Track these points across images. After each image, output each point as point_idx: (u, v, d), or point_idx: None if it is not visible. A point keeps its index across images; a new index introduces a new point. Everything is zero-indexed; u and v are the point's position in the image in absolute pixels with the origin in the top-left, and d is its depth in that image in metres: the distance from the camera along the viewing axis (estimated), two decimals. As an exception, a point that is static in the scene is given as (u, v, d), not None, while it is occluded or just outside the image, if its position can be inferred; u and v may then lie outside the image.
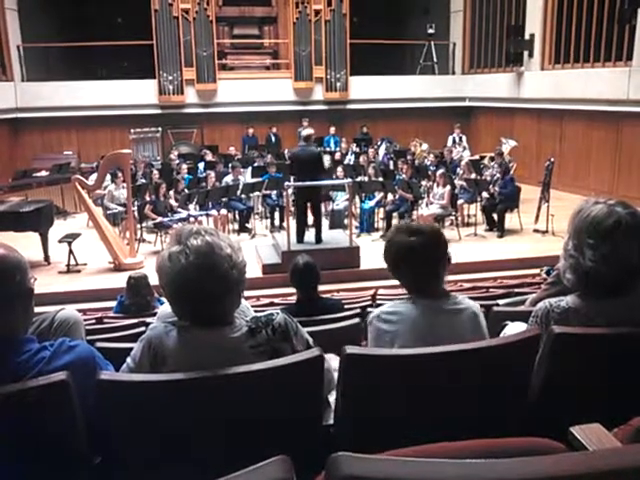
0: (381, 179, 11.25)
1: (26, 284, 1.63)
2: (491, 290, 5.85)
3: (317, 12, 15.79)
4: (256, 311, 2.19)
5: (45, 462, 1.55)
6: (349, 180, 9.91)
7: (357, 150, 13.96)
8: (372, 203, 10.98)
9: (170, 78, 15.31)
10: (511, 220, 10.66)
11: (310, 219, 9.13)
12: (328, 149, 14.69)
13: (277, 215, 11.24)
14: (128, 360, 1.74)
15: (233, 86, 15.81)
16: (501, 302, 3.78)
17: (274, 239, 9.52)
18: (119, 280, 7.26)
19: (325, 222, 10.74)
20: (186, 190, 10.86)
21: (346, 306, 4.25)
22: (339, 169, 11.33)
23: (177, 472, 1.61)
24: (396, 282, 2.18)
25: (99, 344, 2.66)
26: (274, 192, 11.14)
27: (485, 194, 10.78)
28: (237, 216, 11.38)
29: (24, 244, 7.91)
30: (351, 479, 0.89)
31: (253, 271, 8.25)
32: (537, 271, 7.35)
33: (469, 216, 11.28)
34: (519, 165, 12.74)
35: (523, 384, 1.79)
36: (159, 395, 1.56)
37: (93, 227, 9.58)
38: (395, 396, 1.69)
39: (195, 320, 1.68)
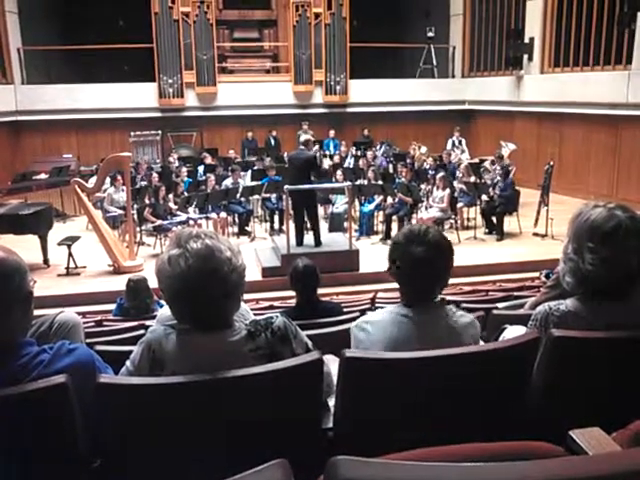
0: (380, 182, 11.25)
1: (25, 287, 1.63)
2: (490, 293, 5.86)
3: (317, 15, 15.81)
4: (255, 314, 2.20)
5: (44, 465, 1.55)
6: (348, 183, 9.92)
7: (357, 153, 13.96)
8: (372, 206, 10.98)
9: (170, 81, 15.32)
10: (510, 223, 10.66)
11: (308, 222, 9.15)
12: (328, 152, 14.70)
13: (277, 218, 11.24)
14: (127, 363, 1.74)
15: (233, 89, 15.82)
16: (500, 305, 3.78)
17: (274, 242, 9.53)
18: (118, 283, 7.26)
19: (324, 225, 10.74)
20: (186, 193, 10.86)
21: (345, 309, 4.25)
22: (338, 172, 11.33)
23: (176, 475, 1.61)
24: (395, 285, 2.17)
25: (98, 347, 2.66)
26: (274, 195, 11.14)
27: (484, 197, 10.79)
28: (237, 219, 11.38)
29: (23, 247, 7.90)
30: (350, 483, 0.90)
31: (252, 274, 8.25)
32: (536, 274, 7.33)
33: (468, 219, 11.28)
34: (519, 168, 12.74)
35: (522, 387, 1.79)
36: (158, 398, 1.56)
37: (92, 230, 9.58)
38: (394, 399, 1.69)
39: (195, 323, 1.68)
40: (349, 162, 13.45)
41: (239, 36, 17.20)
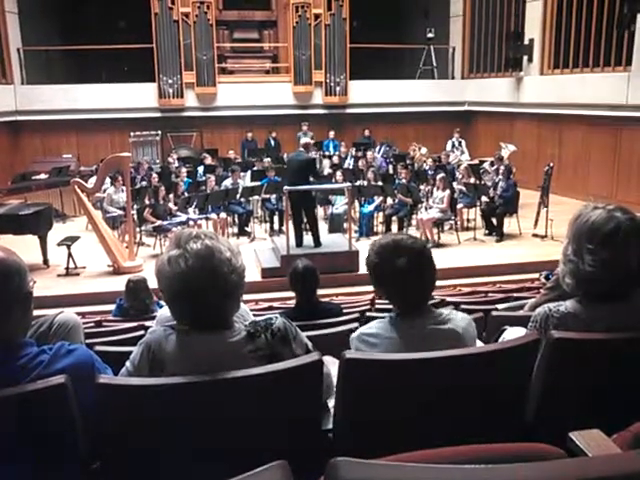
0: (380, 183, 11.25)
1: (25, 288, 1.63)
2: (490, 295, 5.85)
3: (317, 16, 15.81)
4: (255, 315, 2.20)
5: (44, 466, 1.54)
6: (348, 184, 9.92)
7: (357, 154, 13.96)
8: (371, 207, 10.98)
9: (170, 81, 15.33)
10: (510, 225, 10.67)
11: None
12: (327, 153, 14.70)
13: (276, 219, 11.24)
14: (127, 364, 1.74)
15: (233, 90, 15.83)
16: (500, 307, 3.79)
17: (273, 243, 9.53)
18: (118, 283, 7.26)
19: (324, 226, 10.75)
20: (186, 194, 10.86)
21: (345, 310, 4.25)
22: (338, 173, 11.33)
23: (176, 476, 1.61)
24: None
25: (98, 347, 2.66)
26: (273, 196, 11.15)
27: (484, 198, 10.79)
28: (236, 220, 11.38)
29: (23, 247, 7.90)
30: (350, 484, 0.90)
31: (252, 275, 8.25)
32: (536, 276, 7.35)
33: (468, 220, 11.29)
34: (518, 170, 12.74)
35: (522, 389, 1.79)
36: (158, 399, 1.56)
37: (92, 230, 9.58)
38: (394, 401, 1.69)
39: (194, 324, 1.68)
40: (349, 163, 13.45)
41: (239, 37, 17.20)
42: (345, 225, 9.98)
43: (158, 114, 15.71)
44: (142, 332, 3.75)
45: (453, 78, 17.42)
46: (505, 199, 10.46)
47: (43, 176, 13.02)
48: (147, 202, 10.49)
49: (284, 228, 9.63)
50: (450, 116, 16.67)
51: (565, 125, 13.91)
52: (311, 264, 4.08)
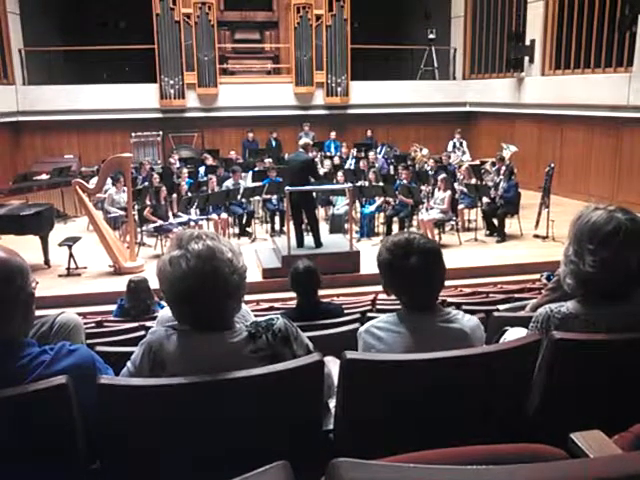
0: (381, 184, 11.25)
1: (27, 288, 1.63)
2: (491, 295, 5.85)
3: (318, 17, 15.81)
4: (256, 315, 2.19)
5: (44, 466, 1.54)
6: (349, 185, 9.92)
7: (358, 155, 13.95)
8: (372, 208, 10.97)
9: (171, 82, 15.33)
10: (511, 225, 10.66)
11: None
12: (328, 154, 14.70)
13: (277, 219, 11.24)
14: (128, 364, 1.74)
15: (234, 90, 15.83)
16: (501, 307, 3.78)
17: (274, 243, 9.53)
18: (119, 284, 7.26)
19: (325, 227, 10.75)
20: (189, 194, 10.87)
21: (346, 311, 4.24)
22: (339, 174, 11.33)
23: (177, 476, 1.61)
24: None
25: (99, 348, 2.66)
26: (274, 196, 11.15)
27: (485, 199, 10.79)
28: (237, 220, 11.38)
29: (24, 247, 7.91)
30: (351, 485, 0.89)
31: (253, 275, 8.25)
32: (537, 276, 7.35)
33: (469, 221, 11.29)
34: (519, 170, 12.73)
35: (523, 390, 1.79)
36: (159, 399, 1.56)
37: (93, 231, 9.59)
38: (395, 401, 1.69)
39: (195, 324, 1.68)
40: (350, 163, 13.46)
41: (240, 37, 17.20)
42: (346, 226, 9.98)
43: (159, 115, 15.72)
44: (143, 332, 3.75)
45: (454, 79, 17.42)
46: (506, 200, 10.46)
47: (44, 176, 13.03)
48: (148, 202, 10.49)
49: (285, 229, 9.63)
50: (451, 117, 16.67)
51: (566, 126, 13.90)
52: (312, 265, 4.08)
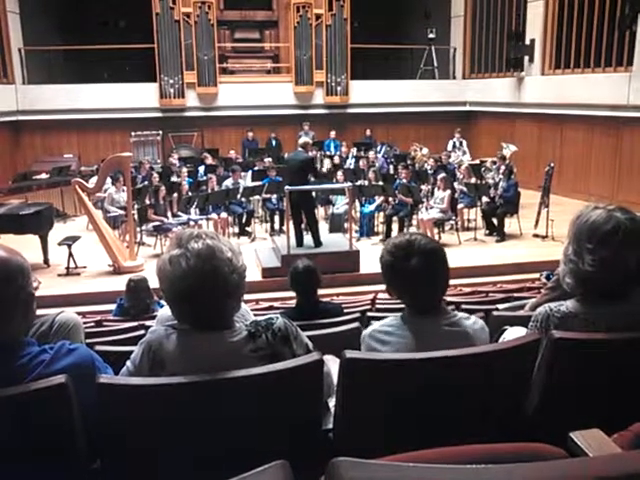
0: (381, 183, 11.25)
1: (27, 288, 1.63)
2: (491, 295, 5.85)
3: (318, 16, 15.81)
4: (255, 315, 2.20)
5: (44, 465, 1.54)
6: (349, 184, 9.92)
7: (358, 154, 13.95)
8: (372, 207, 10.98)
9: (171, 81, 15.33)
10: (511, 225, 10.66)
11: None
12: (328, 153, 14.70)
13: (277, 219, 11.24)
14: (128, 363, 1.74)
15: (234, 90, 15.83)
16: (501, 307, 3.78)
17: (274, 243, 9.53)
18: (119, 283, 7.26)
19: (325, 226, 10.74)
20: (189, 193, 10.87)
21: (346, 310, 4.24)
22: (339, 173, 11.33)
23: (176, 476, 1.61)
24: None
25: (98, 347, 2.66)
26: (274, 196, 11.14)
27: (485, 198, 10.79)
28: (236, 219, 11.38)
29: (24, 247, 7.89)
30: (350, 484, 0.89)
31: (253, 275, 8.25)
32: (537, 276, 7.35)
33: (469, 220, 11.28)
34: (519, 170, 12.74)
35: (523, 389, 1.79)
36: (158, 399, 1.56)
37: (93, 230, 9.58)
38: (395, 400, 1.69)
39: (195, 324, 1.68)
40: (350, 163, 13.46)
41: (240, 37, 17.20)
42: (346, 225, 9.98)
43: (159, 114, 15.71)
44: (142, 332, 3.76)
45: (454, 78, 17.42)
46: (506, 199, 10.46)
47: (44, 176, 13.02)
48: (148, 202, 10.50)
49: (284, 228, 9.63)
50: (451, 116, 16.67)
51: (566, 125, 13.90)
52: (312, 264, 4.08)
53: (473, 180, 11.27)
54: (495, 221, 10.54)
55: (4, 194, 11.77)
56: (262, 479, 0.94)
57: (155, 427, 1.57)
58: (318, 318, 3.61)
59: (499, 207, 10.47)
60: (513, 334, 2.16)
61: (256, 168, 12.55)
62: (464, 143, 15.14)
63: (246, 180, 12.04)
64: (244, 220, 11.24)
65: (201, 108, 15.87)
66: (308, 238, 9.07)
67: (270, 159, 13.05)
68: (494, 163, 11.82)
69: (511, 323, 2.37)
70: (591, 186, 13.22)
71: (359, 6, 16.09)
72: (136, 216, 9.93)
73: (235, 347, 1.65)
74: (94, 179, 10.77)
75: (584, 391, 1.75)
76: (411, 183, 10.97)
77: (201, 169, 12.93)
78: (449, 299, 5.14)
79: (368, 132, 16.07)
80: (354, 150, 14.30)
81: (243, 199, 11.00)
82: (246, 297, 2.07)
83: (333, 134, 15.64)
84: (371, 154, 13.33)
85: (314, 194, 9.76)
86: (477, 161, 13.52)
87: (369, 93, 16.42)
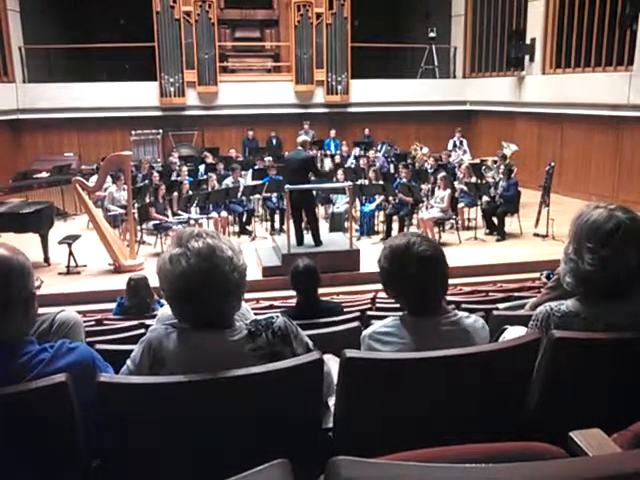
0: (381, 182, 11.25)
1: (28, 288, 1.63)
2: (491, 294, 5.85)
3: (318, 15, 15.80)
4: (256, 314, 2.19)
5: (44, 464, 1.55)
6: (349, 183, 9.92)
7: (360, 153, 13.95)
8: (372, 206, 10.98)
9: (171, 80, 15.33)
10: (511, 224, 10.66)
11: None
12: (329, 152, 14.70)
13: (277, 218, 11.24)
14: (128, 362, 1.74)
15: (234, 89, 15.82)
16: (501, 306, 3.78)
17: (274, 242, 9.52)
18: (119, 282, 7.26)
19: (325, 225, 10.74)
20: (190, 192, 10.87)
21: (346, 309, 4.24)
22: (339, 172, 11.33)
23: (176, 475, 1.61)
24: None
25: (98, 346, 2.66)
26: (274, 195, 11.14)
27: (485, 198, 10.78)
28: (237, 218, 11.38)
29: (24, 245, 7.88)
30: (350, 483, 0.90)
31: (253, 274, 8.25)
32: (537, 275, 7.35)
33: (469, 220, 11.28)
34: (520, 169, 12.74)
35: (523, 388, 1.79)
36: (159, 397, 1.56)
37: (93, 229, 9.58)
38: (395, 400, 1.69)
39: (195, 323, 1.68)
40: (351, 162, 13.46)
41: (240, 35, 17.20)
42: (346, 224, 9.98)
43: (159, 113, 15.71)
44: (143, 331, 3.76)
45: (454, 77, 17.41)
46: (506, 199, 10.45)
47: (44, 174, 13.03)
48: (148, 200, 10.50)
49: (285, 227, 9.63)
50: (451, 115, 16.66)
51: (566, 125, 13.90)
52: (312, 263, 4.08)
53: (473, 179, 11.27)
54: (495, 220, 10.54)
55: (5, 193, 11.78)
56: (262, 478, 0.94)
57: (155, 426, 1.57)
58: (318, 317, 3.61)
59: (499, 206, 10.47)
60: (513, 333, 2.16)
61: (256, 167, 12.54)
62: (464, 142, 15.13)
63: (246, 179, 12.04)
64: (245, 219, 11.24)
65: (201, 107, 15.87)
66: (308, 237, 9.07)
67: (270, 158, 13.04)
68: (494, 162, 11.82)
69: (511, 322, 2.37)
70: (591, 185, 13.22)
71: (360, 5, 16.09)
72: (136, 215, 9.93)
73: (235, 346, 1.65)
74: (94, 178, 10.77)
75: (584, 390, 1.75)
76: (411, 182, 10.97)
77: (201, 168, 12.94)
78: (449, 298, 5.14)
79: (367, 131, 16.07)
80: (357, 150, 14.30)
81: (243, 198, 11.00)
82: (246, 296, 2.08)
83: (333, 133, 15.64)
84: (371, 153, 13.32)
85: (314, 193, 9.76)
86: (477, 160, 13.51)
87: (369, 92, 16.41)
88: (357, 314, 3.76)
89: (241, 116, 15.80)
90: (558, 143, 14.21)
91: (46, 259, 9.22)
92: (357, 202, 11.24)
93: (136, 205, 10.04)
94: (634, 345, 1.75)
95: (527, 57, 14.62)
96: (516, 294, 5.31)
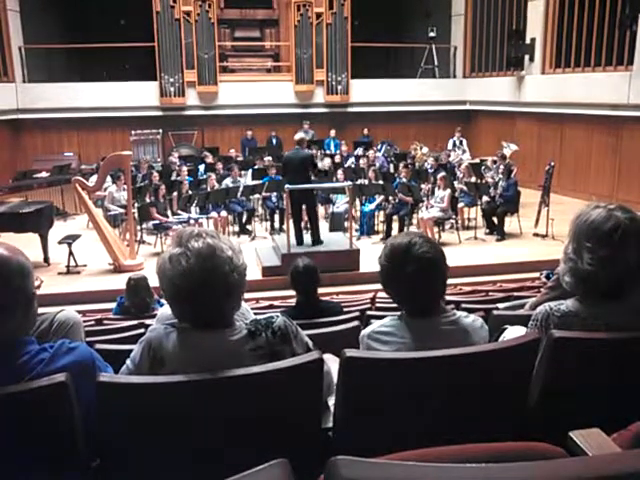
0: (381, 182, 11.25)
1: (28, 288, 1.63)
2: (491, 294, 5.85)
3: (318, 15, 15.80)
4: (256, 314, 2.19)
5: (44, 464, 1.54)
6: (349, 183, 9.92)
7: (361, 153, 13.95)
8: (372, 206, 10.98)
9: (171, 80, 15.33)
10: (511, 224, 10.66)
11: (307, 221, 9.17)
12: (328, 152, 14.70)
13: (277, 217, 11.24)
14: (128, 362, 1.74)
15: (234, 88, 15.82)
16: (501, 306, 3.77)
17: (274, 241, 9.53)
18: (119, 281, 7.26)
19: (325, 225, 10.74)
20: (189, 192, 10.88)
21: (345, 309, 4.24)
22: (339, 172, 11.33)
23: (176, 474, 1.61)
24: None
25: (98, 346, 2.67)
26: (274, 194, 11.14)
27: (485, 197, 10.78)
28: (236, 218, 11.38)
29: (24, 245, 7.87)
30: (350, 483, 0.90)
31: (253, 273, 8.25)
32: (537, 275, 7.34)
33: (469, 219, 11.28)
34: (520, 169, 12.74)
35: (522, 388, 1.79)
36: (158, 397, 1.56)
37: (93, 228, 9.58)
38: (395, 399, 1.69)
39: (195, 322, 1.68)
40: (351, 162, 13.45)
41: (240, 35, 17.20)
42: (346, 224, 9.98)
43: (159, 112, 15.71)
44: (142, 330, 3.76)
45: (454, 77, 17.41)
46: (506, 198, 10.46)
47: (44, 174, 13.04)
48: (148, 200, 10.50)
49: (285, 227, 9.63)
50: (451, 115, 16.66)
51: (566, 124, 13.90)
52: (312, 263, 4.08)
53: (473, 179, 11.26)
54: (495, 220, 10.54)
55: (4, 192, 11.78)
56: (262, 478, 0.94)
57: (155, 426, 1.57)
58: (318, 317, 3.61)
59: (499, 206, 10.47)
60: (513, 333, 2.16)
61: (256, 167, 12.54)
62: (464, 142, 15.14)
63: (246, 179, 12.04)
64: (245, 219, 11.24)
65: (201, 107, 15.87)
66: (308, 237, 9.08)
67: (270, 158, 13.05)
68: (494, 162, 11.82)
69: (511, 322, 2.37)
70: (591, 185, 13.23)
71: (360, 5, 16.08)
72: (136, 214, 9.93)
73: (235, 346, 1.65)
74: (94, 178, 10.78)
75: (584, 390, 1.75)
76: (411, 182, 10.97)
77: (201, 168, 12.93)
78: (449, 298, 5.14)
79: (365, 131, 16.07)
80: (359, 150, 14.29)
81: (243, 198, 11.00)
82: (246, 296, 2.08)
83: (333, 133, 15.64)
84: (371, 153, 13.32)
85: (315, 191, 9.77)
86: (477, 160, 13.51)
87: (369, 92, 16.41)
88: (357, 314, 3.76)
89: (241, 116, 15.80)
90: (558, 143, 14.21)
91: (46, 259, 9.22)
92: (357, 202, 11.24)
93: (136, 205, 10.04)
94: (633, 345, 1.75)
95: (527, 57, 14.62)
96: (516, 294, 5.32)
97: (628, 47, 12.17)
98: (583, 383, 1.75)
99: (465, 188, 10.94)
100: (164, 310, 2.70)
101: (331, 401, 1.84)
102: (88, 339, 2.73)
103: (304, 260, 4.09)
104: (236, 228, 11.28)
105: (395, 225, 10.44)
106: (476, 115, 16.96)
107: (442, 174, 10.70)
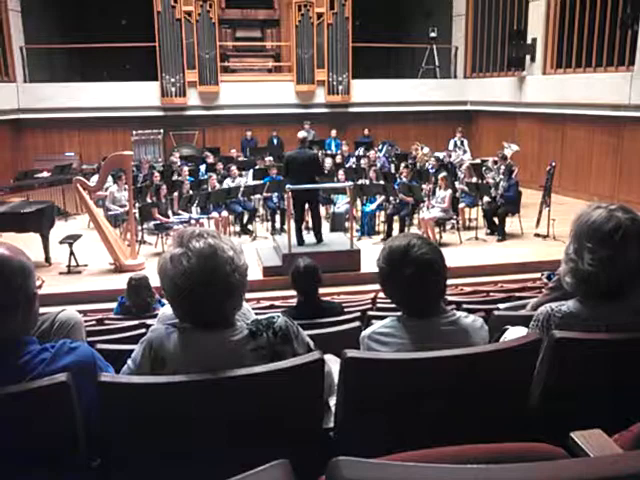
0: (382, 182, 11.25)
1: (29, 288, 1.63)
2: (492, 294, 5.85)
3: (319, 15, 15.80)
4: (257, 314, 2.19)
5: (44, 464, 1.54)
6: (350, 183, 9.92)
7: (362, 154, 13.95)
8: (373, 206, 10.97)
9: (172, 80, 15.33)
10: (512, 224, 10.66)
11: (309, 221, 9.16)
12: (329, 152, 14.69)
13: (278, 218, 11.24)
14: (129, 362, 1.74)
15: (235, 88, 15.82)
16: (502, 306, 3.77)
17: (275, 242, 9.53)
18: (120, 281, 7.26)
19: (326, 225, 10.74)
20: (191, 192, 10.88)
21: (346, 309, 4.25)
22: (340, 172, 11.33)
23: (177, 475, 1.61)
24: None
25: (99, 345, 2.66)
26: (275, 194, 11.14)
27: (486, 198, 10.78)
28: (237, 218, 11.38)
29: (25, 245, 7.89)
30: (351, 483, 0.89)
31: (254, 273, 8.24)
32: (538, 275, 7.35)
33: (470, 220, 11.28)
34: (521, 169, 12.73)
35: (523, 389, 1.79)
36: (159, 397, 1.56)
37: (94, 228, 9.59)
38: (395, 400, 1.69)
39: (196, 322, 1.68)
40: (352, 162, 13.45)
41: (241, 35, 17.21)
42: (347, 224, 9.98)
43: (160, 113, 15.71)
44: (144, 330, 3.75)
45: (455, 77, 17.40)
46: (507, 199, 10.45)
47: (45, 174, 13.05)
48: (149, 200, 10.51)
49: (285, 227, 9.63)
50: (452, 115, 16.65)
51: (567, 125, 13.89)
52: (312, 263, 4.08)
53: (474, 179, 11.26)
54: (496, 220, 10.54)
55: (6, 192, 11.79)
56: (263, 478, 0.94)
57: (156, 426, 1.57)
58: (319, 317, 3.61)
59: (500, 207, 10.47)
60: (514, 334, 2.16)
61: (257, 167, 12.54)
62: (465, 142, 15.13)
63: (247, 179, 12.04)
64: (247, 219, 11.25)
65: (202, 107, 15.87)
66: (309, 237, 9.07)
67: (271, 157, 13.04)
68: (495, 163, 11.82)
69: (512, 323, 2.37)
70: (592, 186, 13.22)
71: (360, 5, 16.08)
72: (137, 214, 9.93)
73: (236, 346, 1.65)
74: (95, 177, 10.78)
75: (585, 391, 1.75)
76: (412, 182, 10.96)
77: (202, 168, 12.94)
78: (450, 298, 5.14)
79: (366, 131, 16.06)
80: (360, 150, 14.28)
81: (244, 198, 11.00)
82: (247, 296, 2.07)
83: (334, 133, 15.63)
84: (372, 153, 13.31)
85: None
86: (478, 160, 13.50)
87: (370, 92, 16.40)
88: (358, 314, 3.76)
89: (242, 116, 15.80)
90: (559, 143, 14.20)
91: (47, 259, 9.23)
92: (358, 202, 11.23)
93: (137, 205, 10.04)
94: (634, 345, 1.75)
95: (528, 57, 14.61)
96: (517, 294, 5.31)
97: (629, 47, 12.16)
98: (584, 384, 1.75)
99: (466, 188, 10.93)
100: (165, 310, 2.70)
101: (332, 401, 1.84)
102: (89, 339, 2.74)
103: (305, 260, 4.09)
104: (237, 228, 11.28)
105: (396, 225, 10.44)
106: (477, 115, 16.95)
107: (443, 174, 10.70)
